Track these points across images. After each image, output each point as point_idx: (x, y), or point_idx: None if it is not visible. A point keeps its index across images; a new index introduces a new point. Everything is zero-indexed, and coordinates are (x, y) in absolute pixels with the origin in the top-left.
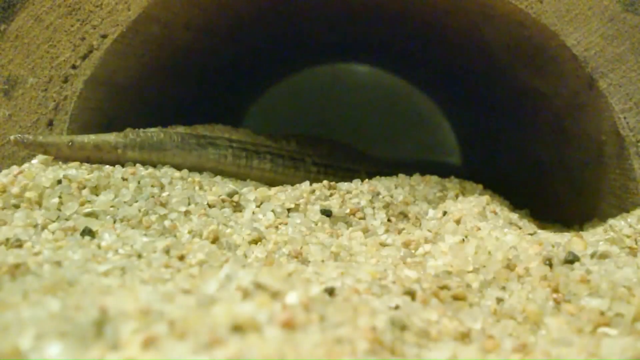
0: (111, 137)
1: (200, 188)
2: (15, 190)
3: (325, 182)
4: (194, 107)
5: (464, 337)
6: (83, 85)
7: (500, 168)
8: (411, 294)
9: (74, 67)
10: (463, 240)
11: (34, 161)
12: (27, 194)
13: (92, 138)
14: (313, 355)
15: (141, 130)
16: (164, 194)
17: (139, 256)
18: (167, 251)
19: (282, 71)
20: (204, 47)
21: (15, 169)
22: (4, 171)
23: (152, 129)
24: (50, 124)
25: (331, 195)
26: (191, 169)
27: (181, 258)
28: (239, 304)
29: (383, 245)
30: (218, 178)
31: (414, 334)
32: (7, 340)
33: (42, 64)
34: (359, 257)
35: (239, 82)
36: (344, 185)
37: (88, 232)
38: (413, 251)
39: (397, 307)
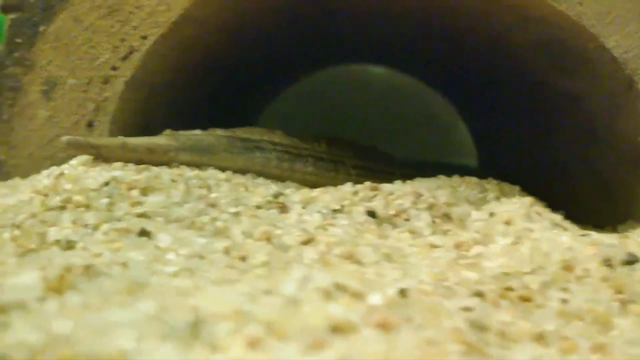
0: (163, 140)
1: (246, 189)
2: (59, 191)
3: (367, 183)
4: (217, 108)
5: (540, 338)
6: (123, 86)
7: (522, 170)
8: (480, 295)
9: (114, 68)
10: (515, 241)
11: (73, 162)
12: (73, 195)
13: (144, 141)
14: (413, 356)
15: (189, 132)
16: (212, 195)
17: (201, 257)
18: (227, 252)
19: (299, 72)
20: (231, 49)
21: (55, 169)
22: (45, 172)
23: (196, 131)
24: (90, 125)
25: (374, 196)
26: (237, 172)
27: (243, 259)
28: (327, 305)
29: (432, 246)
30: (260, 180)
31: (494, 335)
32: (111, 343)
33: (82, 65)
34: (411, 258)
35: (258, 83)
36: (386, 187)
37: (144, 233)
38: (465, 253)
39: (469, 309)
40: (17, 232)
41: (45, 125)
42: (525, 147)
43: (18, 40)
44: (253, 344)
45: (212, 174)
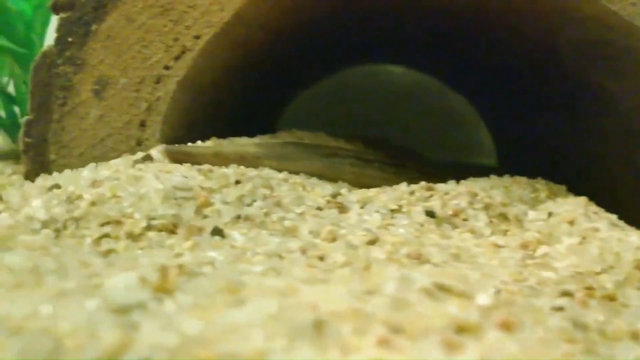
0: (252, 149)
1: (303, 189)
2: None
3: (422, 183)
4: (248, 107)
5: (636, 337)
6: (176, 86)
7: (552, 169)
8: (568, 295)
9: (166, 67)
10: (581, 241)
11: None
12: (141, 196)
13: (235, 149)
14: (543, 355)
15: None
16: (275, 194)
17: (280, 257)
18: (303, 252)
19: (322, 71)
20: (269, 48)
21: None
22: (103, 172)
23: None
24: (142, 124)
25: (430, 196)
26: (312, 175)
27: (321, 259)
28: (440, 305)
29: (497, 246)
30: (314, 179)
31: (596, 334)
32: (245, 342)
33: (134, 64)
34: (480, 258)
35: (285, 82)
36: (441, 187)
37: (217, 232)
38: (531, 253)
39: (561, 308)
40: (94, 231)
41: (96, 124)
42: (557, 147)
43: (69, 39)
44: (384, 343)
45: (271, 174)
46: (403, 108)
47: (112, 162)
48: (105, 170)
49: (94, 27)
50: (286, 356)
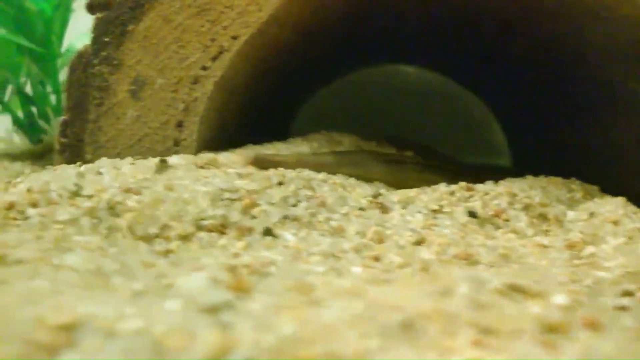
0: (330, 157)
1: (344, 189)
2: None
3: (462, 183)
4: (270, 107)
5: None
6: (213, 86)
7: (573, 170)
8: (629, 295)
9: (204, 68)
10: (627, 241)
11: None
12: (186, 199)
13: (313, 158)
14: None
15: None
16: (318, 195)
17: (335, 257)
18: (357, 251)
19: (339, 72)
20: (294, 48)
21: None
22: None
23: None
24: (180, 125)
25: (470, 197)
26: (380, 182)
27: (376, 259)
28: (520, 305)
29: (543, 247)
30: (352, 180)
31: None
32: (343, 342)
33: (171, 65)
34: (528, 259)
35: (303, 82)
36: (480, 187)
37: (269, 233)
38: (577, 253)
39: (626, 308)
40: (144, 232)
41: (133, 125)
42: (577, 148)
43: (105, 39)
44: (478, 344)
45: (311, 175)
46: (416, 108)
47: (128, 168)
48: (136, 175)
49: (130, 27)
50: (386, 356)
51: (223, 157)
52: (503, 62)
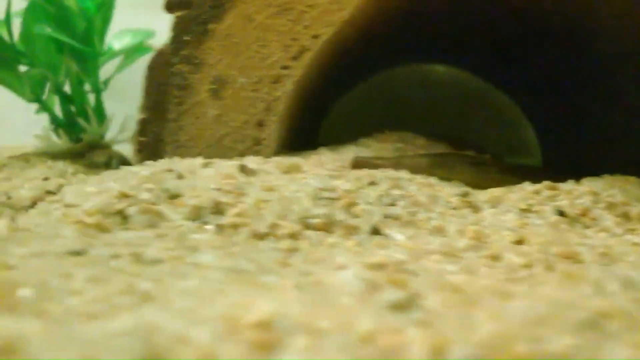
0: (425, 159)
1: (432, 188)
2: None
3: (546, 182)
4: (319, 104)
5: None
6: (293, 86)
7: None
8: None
9: (285, 67)
10: None
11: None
12: (290, 198)
13: (410, 160)
14: None
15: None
16: (410, 194)
17: (455, 256)
18: (475, 250)
19: (371, 71)
20: (353, 46)
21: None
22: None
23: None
24: (260, 124)
25: (555, 196)
26: (468, 184)
27: (494, 258)
28: None
29: (636, 245)
30: (432, 179)
31: None
32: (550, 340)
33: (252, 64)
34: (629, 257)
35: (343, 78)
36: (564, 186)
37: (376, 232)
38: None
39: None
40: (253, 231)
41: (214, 124)
42: (613, 146)
43: (186, 38)
44: None
45: (398, 174)
46: (447, 107)
47: (214, 170)
48: (230, 175)
49: (211, 26)
50: (592, 354)
51: (252, 163)
52: (535, 61)
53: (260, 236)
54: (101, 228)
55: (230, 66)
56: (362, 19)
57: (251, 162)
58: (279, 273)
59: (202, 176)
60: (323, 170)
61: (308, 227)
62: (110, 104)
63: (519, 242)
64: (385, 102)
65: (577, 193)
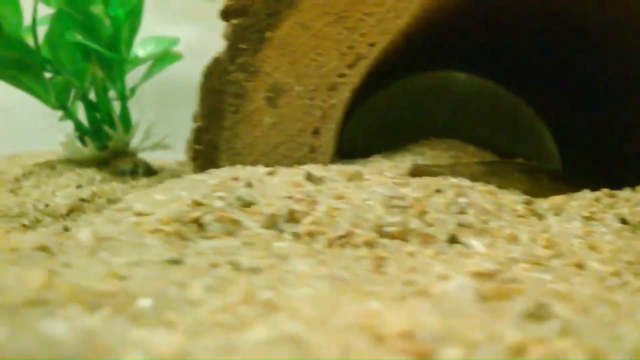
0: (481, 167)
1: (493, 196)
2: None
3: (605, 190)
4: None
5: None
6: (349, 93)
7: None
8: None
9: (341, 75)
10: None
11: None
12: (362, 206)
13: (466, 168)
14: None
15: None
16: (475, 201)
17: (540, 264)
18: (558, 257)
19: (393, 78)
20: (395, 53)
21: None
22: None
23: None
24: (316, 132)
25: (615, 203)
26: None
27: (580, 267)
28: None
29: None
30: (491, 187)
31: None
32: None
33: (309, 72)
34: None
35: (372, 85)
36: (621, 193)
37: (455, 240)
38: None
39: None
40: (331, 238)
41: (269, 132)
42: (632, 154)
43: (242, 46)
44: None
45: (461, 182)
46: (466, 114)
47: (282, 177)
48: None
49: (268, 34)
50: None
51: (320, 171)
52: (554, 68)
53: (338, 244)
54: (181, 236)
55: (286, 74)
56: (413, 27)
57: (314, 170)
58: (380, 282)
59: (271, 184)
60: (384, 178)
61: (383, 235)
62: (132, 112)
63: (590, 249)
64: (403, 108)
65: (634, 200)
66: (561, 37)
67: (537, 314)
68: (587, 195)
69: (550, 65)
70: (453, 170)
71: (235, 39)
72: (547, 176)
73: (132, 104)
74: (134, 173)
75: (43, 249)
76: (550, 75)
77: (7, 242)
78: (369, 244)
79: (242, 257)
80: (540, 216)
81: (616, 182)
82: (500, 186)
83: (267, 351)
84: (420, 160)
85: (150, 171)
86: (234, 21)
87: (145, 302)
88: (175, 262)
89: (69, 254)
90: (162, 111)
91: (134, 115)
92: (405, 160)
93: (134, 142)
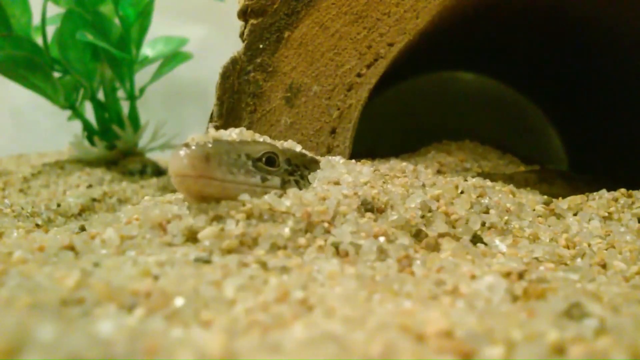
0: (532, 176)
1: (514, 196)
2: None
3: (622, 189)
4: None
5: None
6: (366, 93)
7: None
8: None
9: (359, 75)
10: None
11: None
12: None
13: (521, 175)
14: None
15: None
16: (498, 202)
17: (565, 264)
18: (582, 257)
19: (403, 76)
20: (409, 53)
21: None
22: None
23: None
24: (333, 132)
25: (632, 203)
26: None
27: (604, 266)
28: None
29: None
30: (510, 187)
31: None
32: None
33: (327, 72)
34: None
35: (381, 84)
36: (638, 193)
37: (479, 240)
38: None
39: None
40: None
41: (287, 131)
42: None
43: (260, 45)
44: None
45: (480, 182)
46: (472, 114)
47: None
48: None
49: (286, 33)
50: None
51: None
52: (560, 68)
53: None
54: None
55: (304, 74)
56: (431, 28)
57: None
58: (410, 281)
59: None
60: (414, 179)
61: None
62: (140, 111)
63: (612, 249)
64: (410, 108)
65: None
66: (569, 38)
67: (573, 313)
68: (604, 195)
69: (558, 66)
70: (511, 177)
71: (253, 39)
72: (582, 182)
73: (140, 104)
74: (142, 173)
75: (70, 248)
76: (556, 75)
77: (32, 242)
78: (430, 247)
79: (270, 258)
80: (559, 216)
81: (631, 183)
82: (547, 193)
83: (311, 350)
84: (446, 164)
85: (159, 171)
86: (253, 21)
87: (180, 301)
88: (205, 261)
89: (95, 253)
90: (170, 111)
91: (142, 115)
92: (431, 163)
93: (143, 142)
